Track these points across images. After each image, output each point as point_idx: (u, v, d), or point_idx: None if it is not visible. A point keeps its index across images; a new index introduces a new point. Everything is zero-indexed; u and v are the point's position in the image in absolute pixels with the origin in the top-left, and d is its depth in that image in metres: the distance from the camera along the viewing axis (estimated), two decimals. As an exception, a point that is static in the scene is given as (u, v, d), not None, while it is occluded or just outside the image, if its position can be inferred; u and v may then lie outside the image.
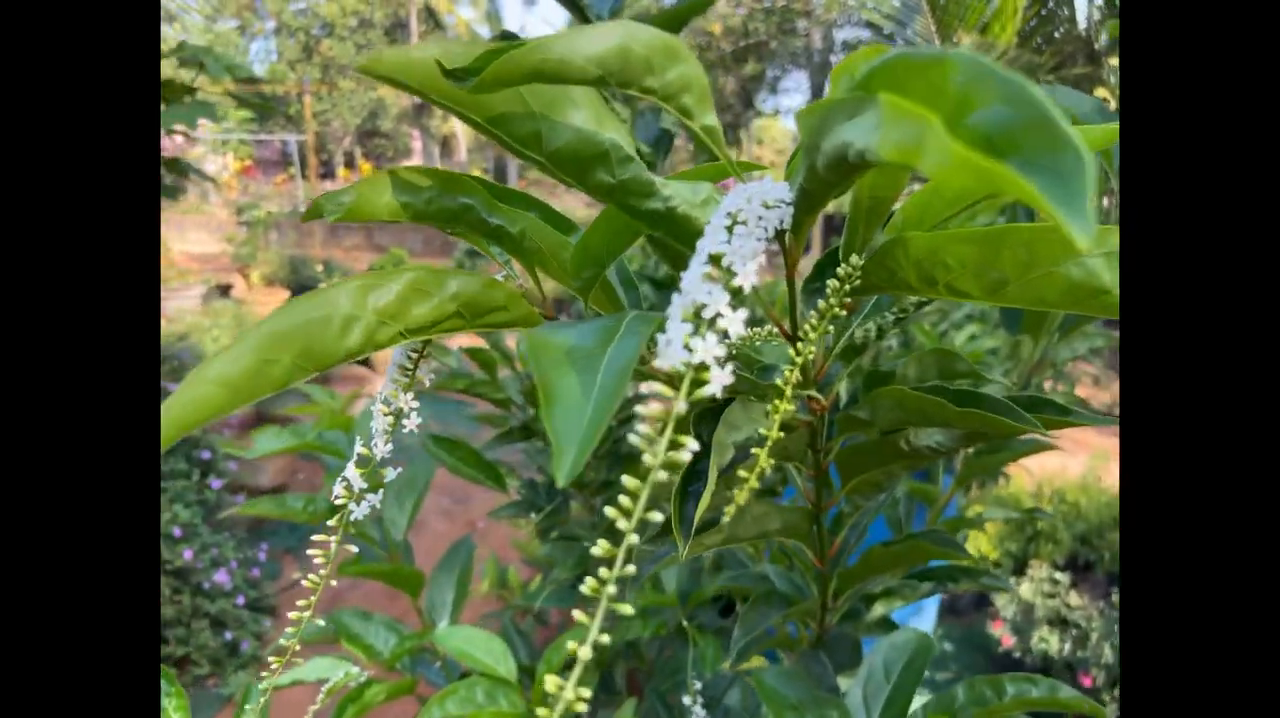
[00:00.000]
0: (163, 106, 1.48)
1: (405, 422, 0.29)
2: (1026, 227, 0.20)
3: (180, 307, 5.19)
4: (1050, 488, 2.38)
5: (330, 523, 0.30)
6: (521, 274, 0.27)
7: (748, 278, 0.18)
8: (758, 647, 0.62)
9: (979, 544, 2.34)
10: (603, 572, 0.17)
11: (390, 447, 0.29)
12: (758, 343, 0.32)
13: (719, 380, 0.17)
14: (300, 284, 5.84)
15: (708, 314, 0.18)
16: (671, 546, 0.55)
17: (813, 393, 0.32)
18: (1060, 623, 1.94)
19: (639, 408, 0.17)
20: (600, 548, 0.18)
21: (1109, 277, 0.19)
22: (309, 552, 0.30)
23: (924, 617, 2.09)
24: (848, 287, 0.24)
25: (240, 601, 1.89)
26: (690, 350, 0.17)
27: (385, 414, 0.29)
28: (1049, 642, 1.85)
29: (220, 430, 2.46)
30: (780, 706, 0.51)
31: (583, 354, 0.17)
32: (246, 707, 0.67)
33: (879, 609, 0.59)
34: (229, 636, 1.84)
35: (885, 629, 0.59)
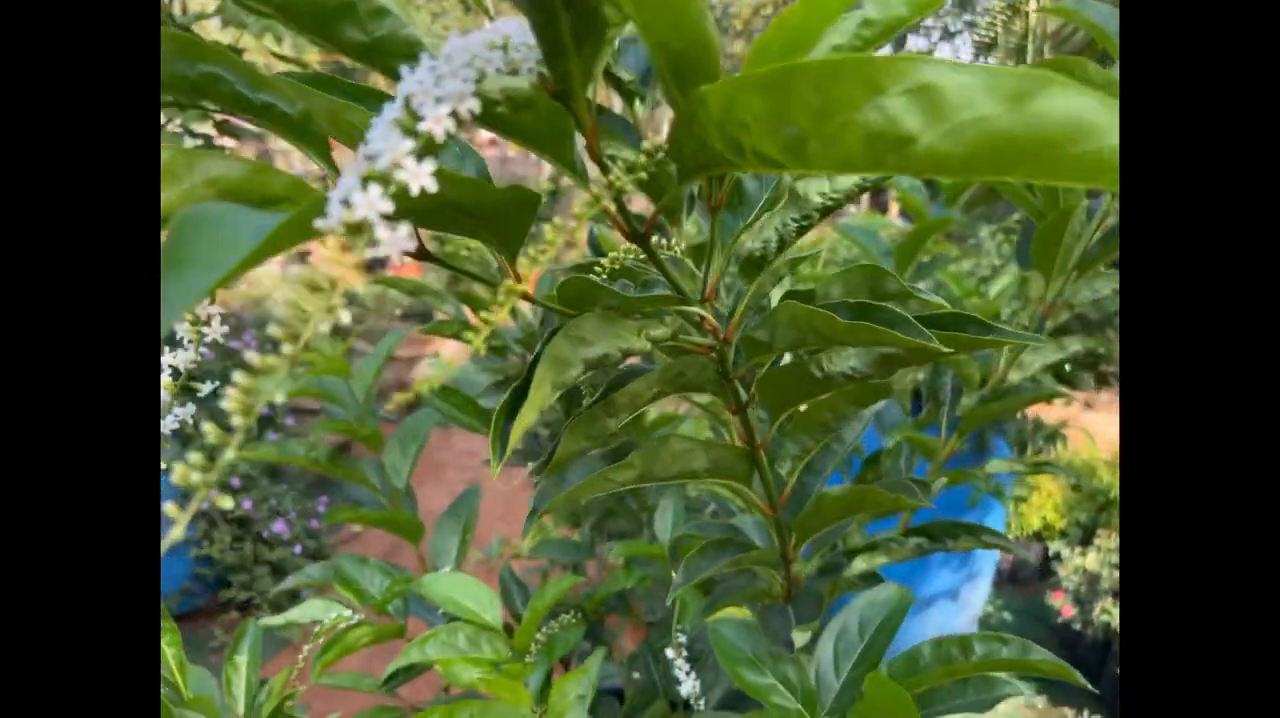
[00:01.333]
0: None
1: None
2: (817, 61, 0.16)
3: (257, 272, 5.40)
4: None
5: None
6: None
7: (440, 123, 0.15)
8: (730, 600, 0.59)
9: (1045, 513, 2.24)
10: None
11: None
12: (638, 256, 0.29)
13: (390, 242, 0.14)
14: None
15: (382, 164, 0.15)
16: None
17: (696, 308, 0.29)
18: (1126, 596, 1.84)
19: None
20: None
21: (912, 121, 0.16)
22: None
23: (978, 585, 2.01)
24: (646, 160, 0.20)
25: (298, 549, 1.97)
26: (349, 206, 0.14)
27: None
28: (1111, 614, 1.76)
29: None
30: (735, 659, 0.48)
31: (228, 216, 0.14)
32: (240, 646, 0.69)
33: (860, 565, 0.55)
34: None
35: (868, 585, 0.56)
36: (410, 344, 3.85)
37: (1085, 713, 1.51)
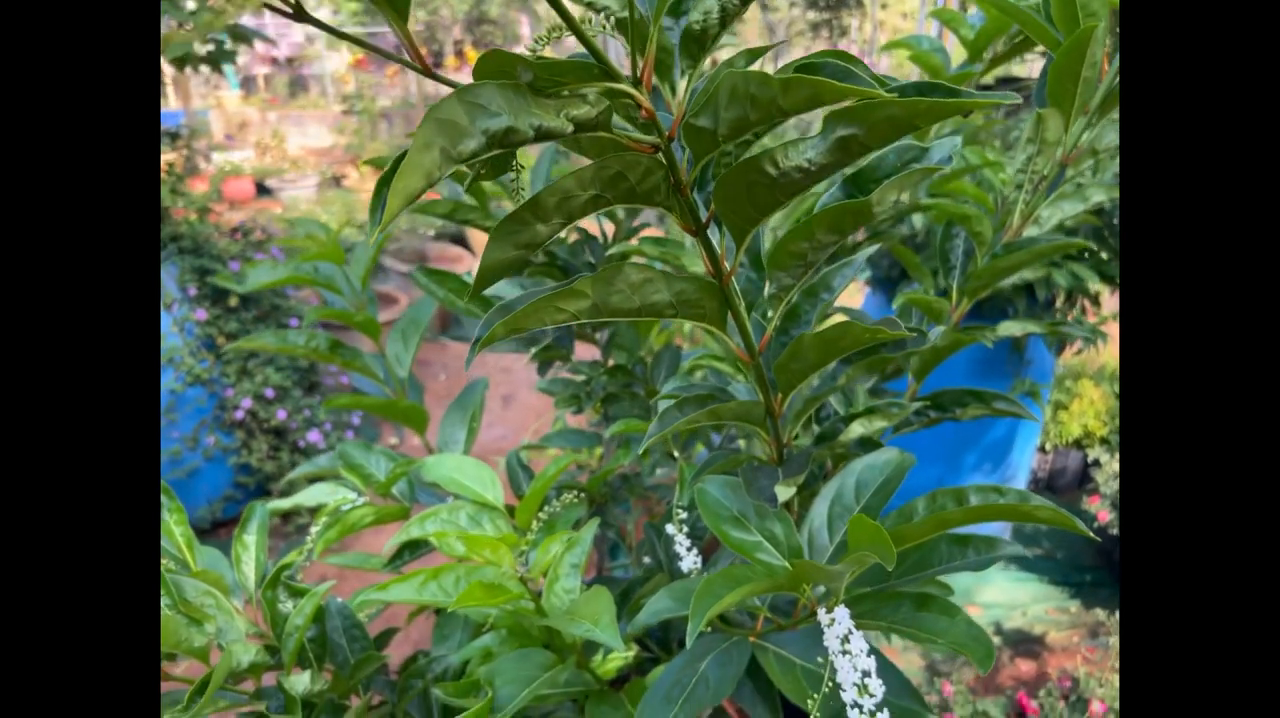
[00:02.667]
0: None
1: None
2: None
3: (295, 196, 5.44)
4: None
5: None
6: None
7: None
8: (720, 467, 0.57)
9: (1086, 421, 2.18)
10: None
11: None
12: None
13: None
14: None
15: None
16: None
17: (627, 88, 0.25)
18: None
19: None
20: None
21: None
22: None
23: (1012, 490, 1.98)
24: None
25: (334, 459, 2.01)
26: None
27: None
28: (1151, 518, 1.71)
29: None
30: (719, 517, 0.46)
31: None
32: (248, 526, 0.69)
33: (857, 429, 0.53)
34: (325, 491, 1.97)
35: (865, 451, 0.53)
36: (441, 261, 3.85)
37: (1117, 614, 1.49)
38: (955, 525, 0.39)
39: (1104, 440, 2.15)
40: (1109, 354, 2.50)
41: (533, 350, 0.77)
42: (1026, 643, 1.72)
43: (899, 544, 0.39)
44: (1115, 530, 1.83)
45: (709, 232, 0.35)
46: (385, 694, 0.67)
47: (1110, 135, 0.54)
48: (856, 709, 0.35)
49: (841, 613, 0.39)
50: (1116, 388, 2.18)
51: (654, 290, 0.35)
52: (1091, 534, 0.36)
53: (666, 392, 0.49)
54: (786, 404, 0.46)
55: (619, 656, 0.68)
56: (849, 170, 0.40)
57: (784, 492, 0.44)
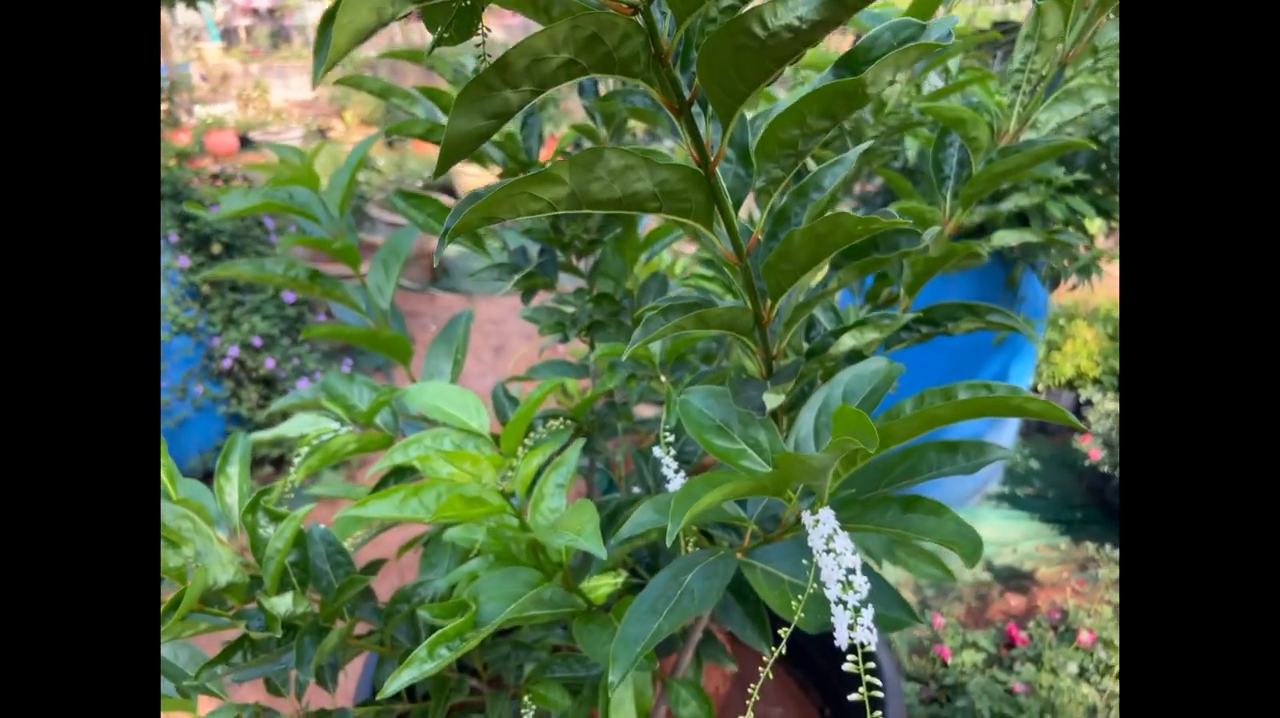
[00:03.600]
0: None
1: None
2: None
3: (271, 163, 5.33)
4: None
5: None
6: None
7: None
8: (705, 379, 0.56)
9: (1079, 361, 2.18)
10: None
11: None
12: None
13: None
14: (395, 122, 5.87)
15: None
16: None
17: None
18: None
19: None
20: None
21: None
22: None
23: (1004, 430, 1.99)
24: None
25: (324, 408, 2.00)
26: None
27: None
28: (1141, 455, 1.72)
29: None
30: (701, 427, 0.45)
31: None
32: (230, 458, 0.68)
33: (848, 342, 0.51)
34: (316, 439, 1.97)
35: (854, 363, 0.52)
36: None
37: (1107, 547, 1.50)
38: (944, 423, 0.37)
39: (1096, 381, 2.15)
40: (1103, 295, 2.49)
41: (515, 278, 0.75)
42: (1017, 579, 1.74)
43: (886, 443, 0.38)
44: (1106, 468, 1.84)
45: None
46: (373, 623, 0.67)
47: (1112, 31, 0.51)
48: (841, 606, 0.34)
49: (826, 513, 0.38)
50: (1109, 329, 2.17)
51: (635, 178, 0.33)
52: (1079, 424, 0.35)
53: (652, 303, 0.48)
54: (776, 311, 0.44)
55: (608, 581, 0.68)
56: (841, 54, 0.38)
57: (772, 399, 0.42)
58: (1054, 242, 0.52)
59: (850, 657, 0.33)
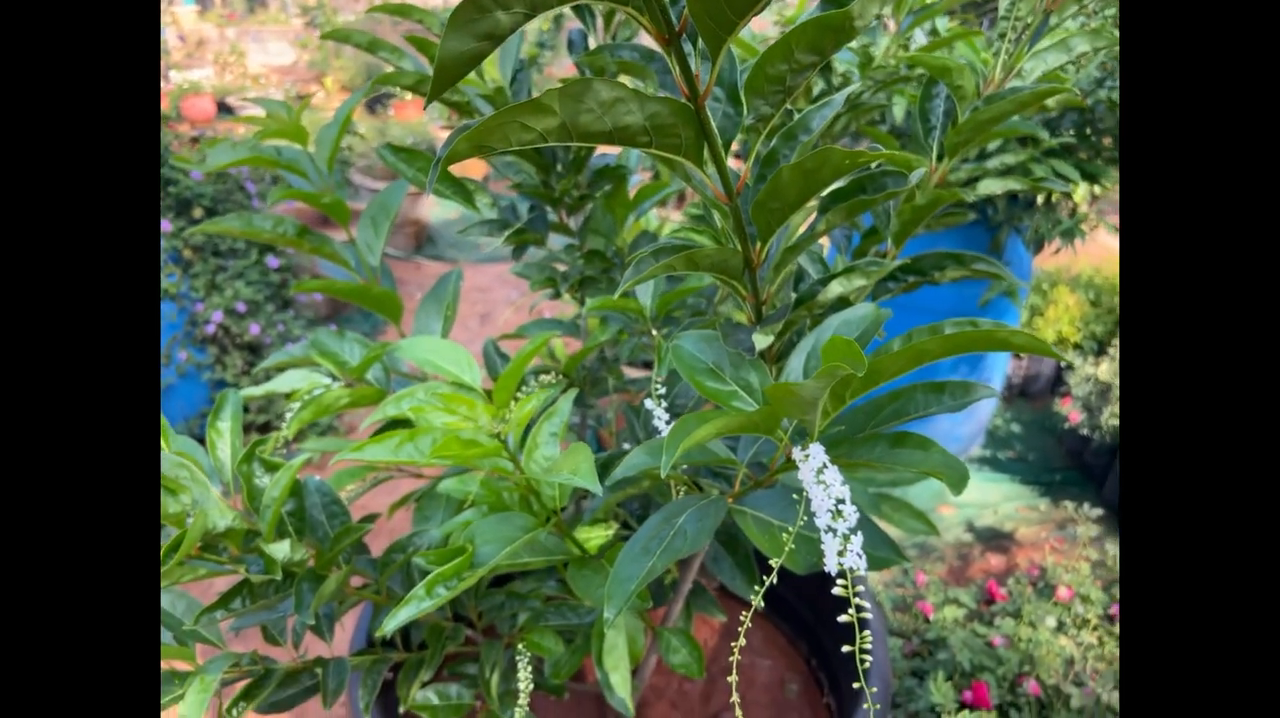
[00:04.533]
0: None
1: None
2: None
3: (258, 115, 5.25)
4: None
5: None
6: None
7: None
8: (696, 327, 0.57)
9: (1061, 327, 2.20)
10: None
11: None
12: None
13: None
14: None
15: None
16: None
17: None
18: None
19: None
20: None
21: None
22: None
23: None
24: None
25: (310, 375, 1.99)
26: None
27: None
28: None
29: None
30: (693, 369, 0.46)
31: None
32: (221, 413, 0.68)
33: (836, 289, 0.52)
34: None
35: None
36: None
37: (1085, 506, 1.53)
38: (932, 358, 0.38)
39: (1077, 346, 2.17)
40: (1085, 261, 2.51)
41: (505, 234, 0.75)
42: (997, 539, 1.78)
43: (875, 379, 0.39)
44: (1085, 431, 1.87)
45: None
46: (368, 575, 0.68)
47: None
48: (831, 533, 0.35)
49: (816, 448, 0.39)
50: (1091, 295, 2.19)
51: (626, 111, 0.33)
52: (1061, 356, 0.36)
53: (642, 250, 0.48)
54: (765, 254, 0.45)
55: (600, 532, 0.69)
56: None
57: (761, 339, 0.43)
58: (1038, 189, 0.53)
59: (840, 581, 0.35)
